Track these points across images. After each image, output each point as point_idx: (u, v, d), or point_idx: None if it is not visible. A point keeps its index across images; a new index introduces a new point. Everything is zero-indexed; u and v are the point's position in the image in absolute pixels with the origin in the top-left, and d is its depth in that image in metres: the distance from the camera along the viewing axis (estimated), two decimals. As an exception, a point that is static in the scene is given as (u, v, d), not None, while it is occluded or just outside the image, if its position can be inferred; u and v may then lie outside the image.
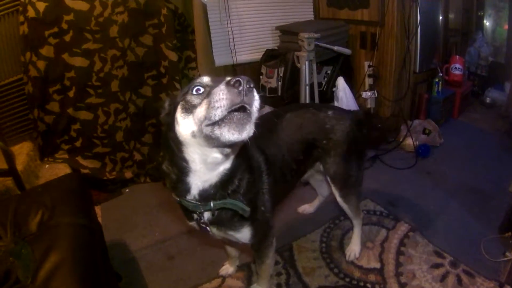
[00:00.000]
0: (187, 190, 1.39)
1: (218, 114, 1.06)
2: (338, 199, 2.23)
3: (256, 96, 1.09)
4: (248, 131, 1.09)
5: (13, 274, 1.37)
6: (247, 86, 1.05)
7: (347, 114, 2.17)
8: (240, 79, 1.04)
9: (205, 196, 1.39)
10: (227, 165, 1.34)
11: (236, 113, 1.07)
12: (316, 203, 2.88)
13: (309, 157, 2.10)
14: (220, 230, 1.62)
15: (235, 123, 1.07)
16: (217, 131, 1.09)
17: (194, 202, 1.41)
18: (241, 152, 1.37)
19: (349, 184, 2.20)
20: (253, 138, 1.35)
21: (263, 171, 1.68)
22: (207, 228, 1.57)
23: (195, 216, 1.51)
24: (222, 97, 1.06)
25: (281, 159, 1.87)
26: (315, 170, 2.29)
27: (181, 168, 1.36)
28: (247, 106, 1.07)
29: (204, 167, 1.32)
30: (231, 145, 1.19)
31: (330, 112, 2.10)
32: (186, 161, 1.32)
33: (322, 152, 2.10)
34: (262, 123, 1.92)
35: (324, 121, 2.06)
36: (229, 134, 1.08)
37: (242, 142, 1.12)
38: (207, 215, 1.50)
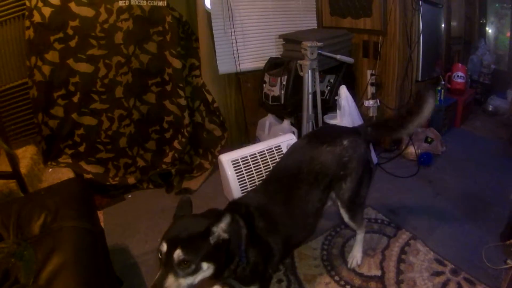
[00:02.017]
0: None
1: None
2: (346, 220, 2.20)
3: None
4: None
5: (12, 274, 1.39)
6: None
7: (360, 137, 2.12)
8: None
9: None
10: None
11: None
12: None
13: (327, 196, 2.07)
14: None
15: None
16: None
17: None
18: None
19: (358, 204, 2.17)
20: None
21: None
22: None
23: None
24: None
25: (292, 234, 1.91)
26: None
27: None
28: None
29: None
30: None
31: (345, 142, 2.03)
32: None
33: (337, 181, 2.04)
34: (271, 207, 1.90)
35: (342, 155, 2.00)
36: None
37: None
38: None
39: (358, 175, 2.05)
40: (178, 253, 1.36)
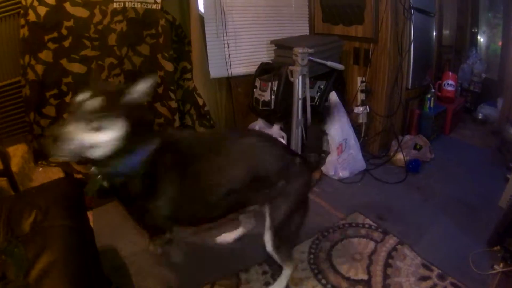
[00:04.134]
0: None
1: None
2: (269, 248, 2.02)
3: None
4: None
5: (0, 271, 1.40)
6: None
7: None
8: None
9: None
10: None
11: None
12: (236, 234, 2.73)
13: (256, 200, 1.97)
14: None
15: None
16: None
17: None
18: None
19: (286, 233, 2.03)
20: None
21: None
22: None
23: None
24: None
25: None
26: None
27: None
28: None
29: None
30: None
31: (298, 160, 1.99)
32: None
33: (275, 197, 1.92)
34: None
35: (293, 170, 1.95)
36: None
37: None
38: None
39: (297, 200, 1.98)
40: (89, 101, 1.41)
